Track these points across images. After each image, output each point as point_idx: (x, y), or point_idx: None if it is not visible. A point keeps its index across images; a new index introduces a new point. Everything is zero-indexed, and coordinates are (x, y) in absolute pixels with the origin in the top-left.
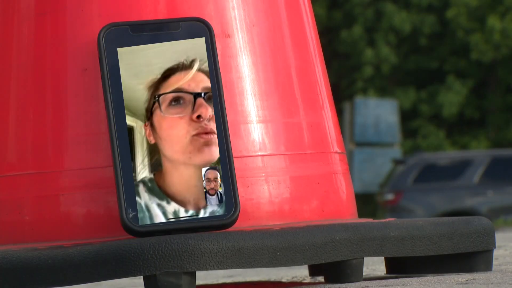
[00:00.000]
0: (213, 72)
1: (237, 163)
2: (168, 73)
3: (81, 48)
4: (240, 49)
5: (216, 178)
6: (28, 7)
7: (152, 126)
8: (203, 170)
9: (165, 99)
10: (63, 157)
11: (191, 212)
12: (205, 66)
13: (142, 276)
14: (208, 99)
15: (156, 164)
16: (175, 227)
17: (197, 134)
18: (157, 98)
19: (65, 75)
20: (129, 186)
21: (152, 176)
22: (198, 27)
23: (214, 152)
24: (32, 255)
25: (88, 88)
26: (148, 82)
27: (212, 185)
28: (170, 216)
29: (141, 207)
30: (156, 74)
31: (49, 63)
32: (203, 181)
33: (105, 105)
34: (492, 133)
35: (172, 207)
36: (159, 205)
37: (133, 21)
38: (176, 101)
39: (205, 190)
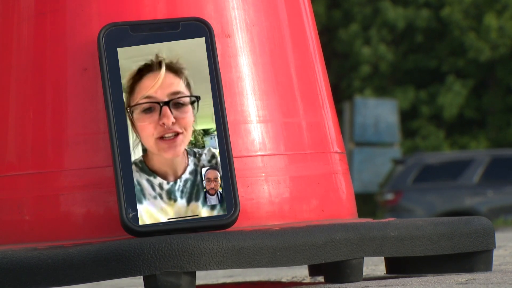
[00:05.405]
0: (213, 72)
1: (237, 163)
2: (140, 75)
3: (81, 48)
4: (240, 49)
5: (216, 178)
6: (28, 7)
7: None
8: (203, 170)
9: (136, 108)
10: (63, 157)
11: (191, 212)
12: (174, 63)
13: (142, 276)
14: (174, 105)
15: (142, 147)
16: (175, 227)
17: (161, 137)
18: (128, 111)
19: (65, 75)
20: (129, 185)
21: (141, 157)
22: (198, 27)
23: (179, 150)
24: (32, 255)
25: (88, 88)
26: (125, 82)
27: (212, 185)
28: (170, 215)
29: (141, 207)
30: (130, 74)
31: (49, 63)
32: (203, 181)
33: (105, 105)
34: (492, 134)
35: (172, 206)
36: (148, 181)
37: (133, 21)
38: (146, 110)
39: (205, 190)
